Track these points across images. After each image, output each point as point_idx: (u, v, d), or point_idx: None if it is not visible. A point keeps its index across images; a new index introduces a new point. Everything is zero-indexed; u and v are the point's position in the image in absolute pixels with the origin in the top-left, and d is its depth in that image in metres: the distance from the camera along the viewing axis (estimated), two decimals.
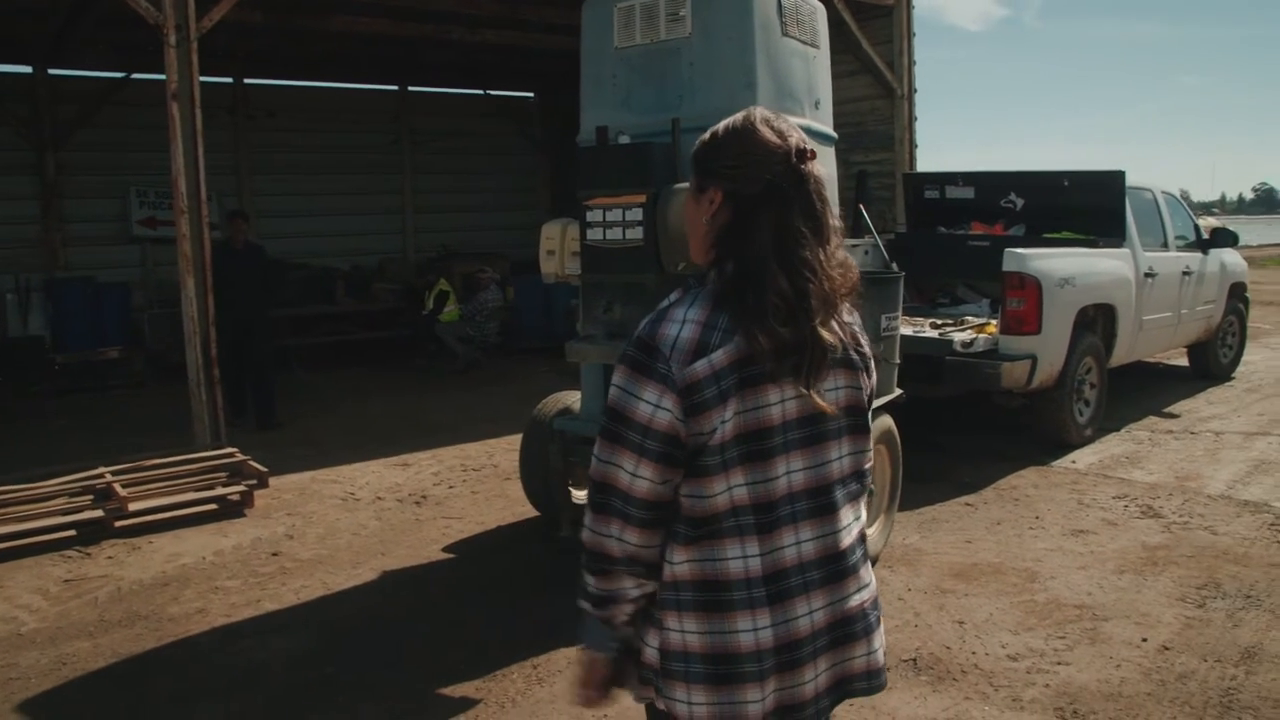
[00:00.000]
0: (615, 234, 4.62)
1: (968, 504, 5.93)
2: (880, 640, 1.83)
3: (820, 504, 1.74)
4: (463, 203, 15.57)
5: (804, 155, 1.69)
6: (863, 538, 1.83)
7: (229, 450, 6.64)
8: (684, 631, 1.69)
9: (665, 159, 4.58)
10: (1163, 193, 8.73)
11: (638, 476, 1.66)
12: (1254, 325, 10.85)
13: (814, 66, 5.18)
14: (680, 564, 1.69)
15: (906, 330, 6.56)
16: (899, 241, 8.30)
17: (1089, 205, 7.93)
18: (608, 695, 1.82)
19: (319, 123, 14.12)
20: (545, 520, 5.62)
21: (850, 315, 1.79)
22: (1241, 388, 9.34)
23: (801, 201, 1.68)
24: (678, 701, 1.69)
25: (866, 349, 1.84)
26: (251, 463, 6.38)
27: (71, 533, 5.48)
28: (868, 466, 1.85)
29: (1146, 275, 7.87)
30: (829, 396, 1.72)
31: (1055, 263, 6.88)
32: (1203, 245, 9.01)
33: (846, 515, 1.78)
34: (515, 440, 7.57)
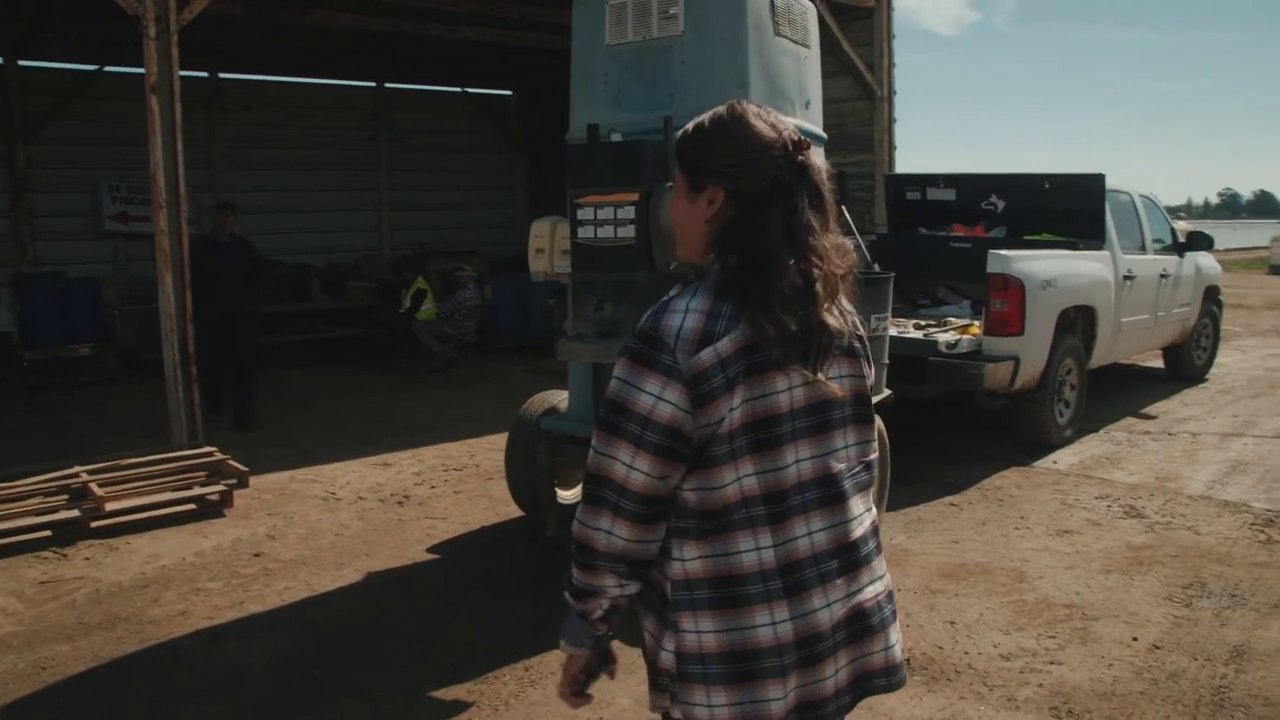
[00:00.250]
0: (607, 232, 4.58)
1: (953, 504, 5.95)
2: (897, 635, 1.82)
3: (829, 493, 1.73)
4: (439, 200, 15.45)
5: (800, 146, 1.70)
6: (875, 530, 1.82)
7: (207, 449, 6.54)
8: (699, 632, 1.65)
9: (658, 157, 4.55)
10: (1140, 196, 8.81)
11: (634, 469, 1.63)
12: (1225, 328, 10.97)
13: (805, 66, 5.18)
14: (692, 560, 1.66)
15: (891, 331, 6.57)
16: (880, 243, 8.33)
17: (1069, 208, 7.99)
18: (585, 692, 1.81)
19: (295, 118, 13.94)
20: (530, 520, 5.57)
21: (848, 304, 1.79)
22: (1215, 389, 9.45)
23: (807, 192, 1.69)
24: (697, 706, 1.65)
25: (866, 338, 1.85)
26: (231, 462, 6.29)
27: (47, 533, 5.37)
28: (873, 457, 1.84)
29: (1125, 278, 7.94)
30: (836, 384, 1.73)
31: (1038, 265, 6.93)
32: (1179, 248, 9.11)
33: (857, 505, 1.77)
34: (496, 439, 7.57)
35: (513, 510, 5.79)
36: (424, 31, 11.97)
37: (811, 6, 5.23)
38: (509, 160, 16.38)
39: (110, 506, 5.57)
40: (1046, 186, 8.26)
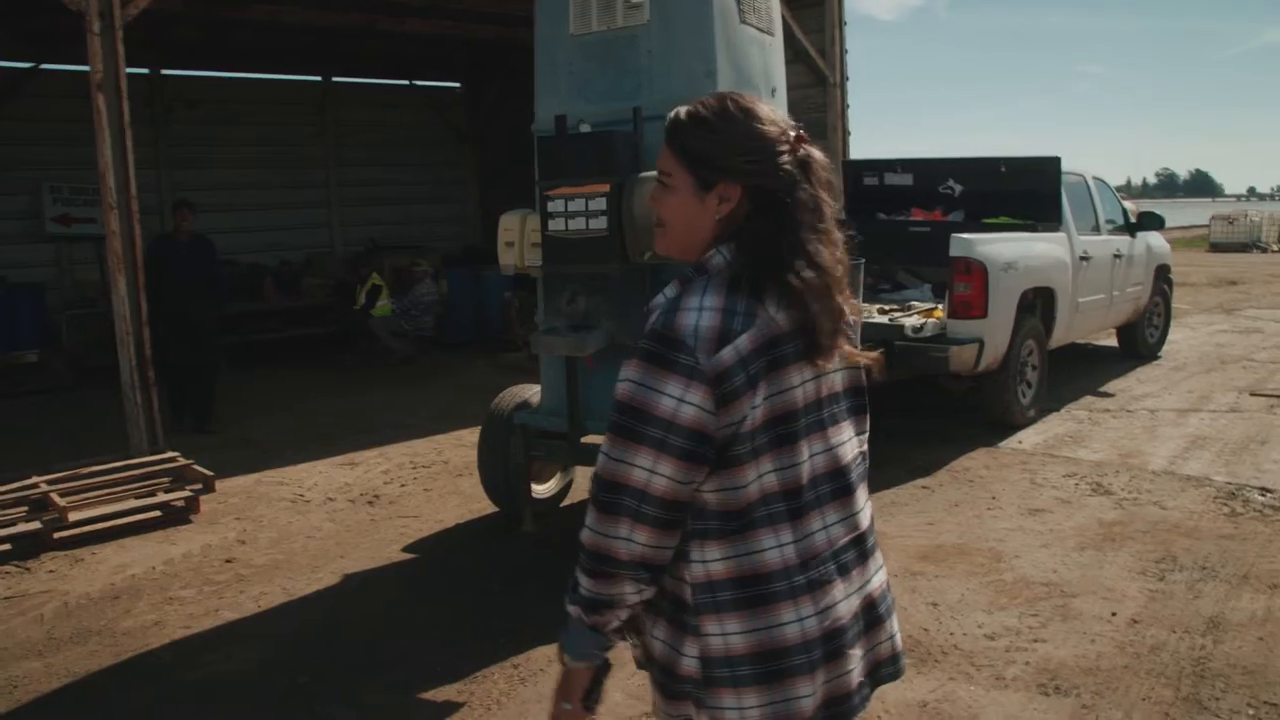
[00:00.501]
0: (578, 224, 4.54)
1: (924, 487, 6.01)
2: (896, 623, 1.84)
3: (840, 486, 1.73)
4: (390, 195, 15.25)
5: (801, 138, 1.69)
6: (872, 519, 1.83)
7: (170, 455, 6.38)
8: (725, 634, 1.63)
9: (628, 148, 4.53)
10: (1093, 177, 8.95)
11: (656, 473, 1.57)
12: (1174, 305, 11.20)
13: (770, 54, 5.17)
14: (715, 562, 1.63)
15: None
16: (839, 227, 8.35)
17: (1025, 191, 8.09)
18: (590, 709, 1.73)
19: (241, 115, 13.65)
20: (505, 516, 5.53)
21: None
22: (1168, 366, 9.64)
23: (815, 183, 1.68)
24: (727, 710, 1.63)
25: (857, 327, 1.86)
26: (195, 467, 6.15)
27: (7, 546, 5.21)
28: (867, 447, 1.86)
29: (1082, 258, 8.06)
30: (835, 377, 1.74)
31: (999, 247, 7.01)
32: (1131, 229, 9.27)
33: (861, 496, 1.78)
34: (462, 435, 7.52)
35: (486, 506, 5.74)
36: (371, 24, 11.81)
37: None
38: (459, 153, 16.22)
39: (73, 517, 5.42)
40: (1003, 170, 8.35)
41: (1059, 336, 7.96)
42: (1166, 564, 4.68)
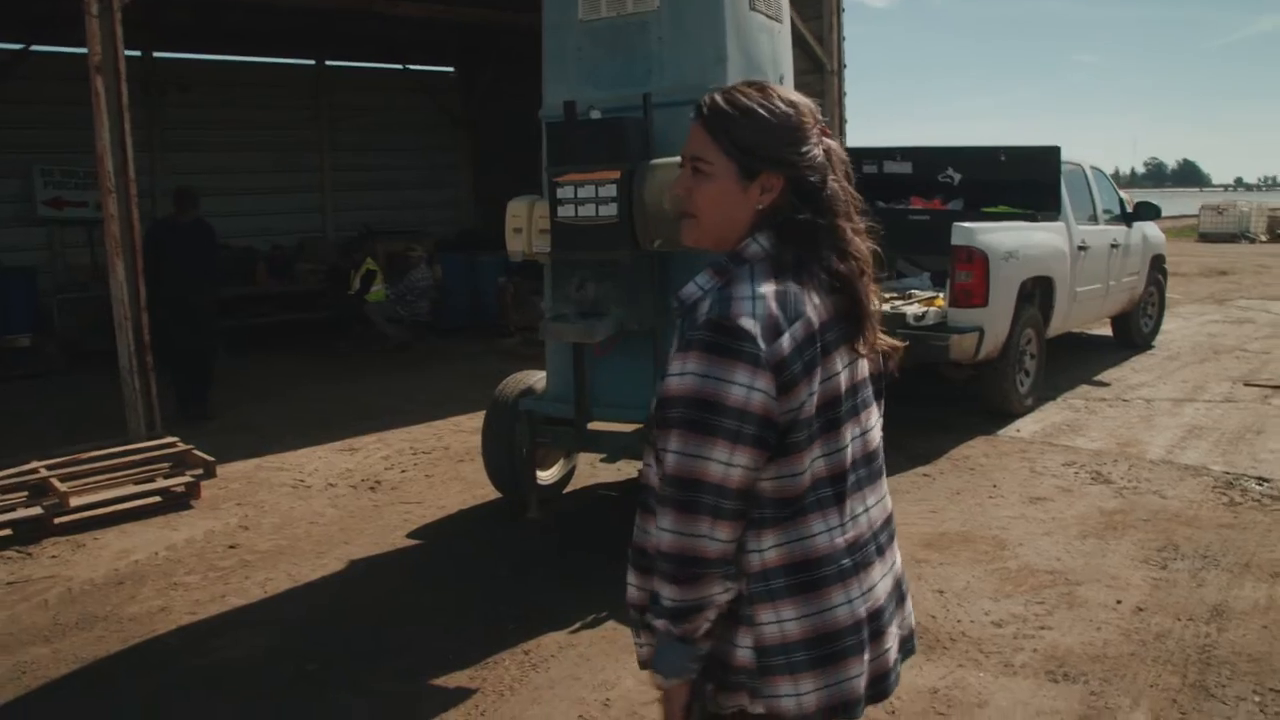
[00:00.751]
0: (588, 211, 4.54)
1: (925, 474, 6.03)
2: (911, 602, 1.90)
3: (874, 469, 1.80)
4: (383, 180, 15.15)
5: (825, 129, 1.72)
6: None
7: (169, 440, 6.35)
8: (781, 621, 1.64)
9: (639, 134, 4.51)
10: (1091, 167, 8.97)
11: (733, 465, 1.56)
12: (1169, 295, 11.26)
13: (778, 41, 5.18)
14: (769, 549, 1.64)
15: None
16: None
17: (1025, 180, 8.11)
18: None
19: (234, 98, 13.54)
20: (509, 502, 5.53)
21: None
22: (1162, 355, 9.70)
23: (844, 172, 1.73)
24: (784, 697, 1.64)
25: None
26: (195, 452, 6.12)
27: (8, 532, 5.19)
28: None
29: (1080, 248, 8.09)
30: (862, 363, 1.78)
31: (1000, 236, 7.02)
32: (1127, 218, 9.30)
33: (885, 479, 1.85)
34: (461, 421, 7.52)
35: (488, 493, 5.74)
36: (365, 7, 11.72)
37: None
38: (453, 138, 16.14)
39: (74, 502, 5.39)
40: (1002, 159, 8.37)
41: (1057, 326, 7.99)
42: (1168, 552, 4.71)
